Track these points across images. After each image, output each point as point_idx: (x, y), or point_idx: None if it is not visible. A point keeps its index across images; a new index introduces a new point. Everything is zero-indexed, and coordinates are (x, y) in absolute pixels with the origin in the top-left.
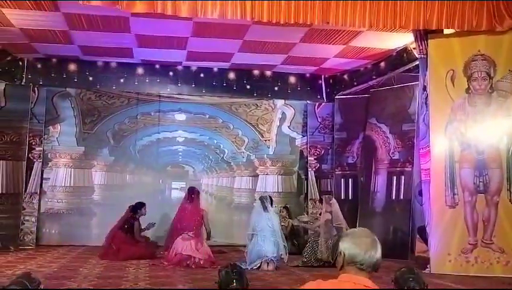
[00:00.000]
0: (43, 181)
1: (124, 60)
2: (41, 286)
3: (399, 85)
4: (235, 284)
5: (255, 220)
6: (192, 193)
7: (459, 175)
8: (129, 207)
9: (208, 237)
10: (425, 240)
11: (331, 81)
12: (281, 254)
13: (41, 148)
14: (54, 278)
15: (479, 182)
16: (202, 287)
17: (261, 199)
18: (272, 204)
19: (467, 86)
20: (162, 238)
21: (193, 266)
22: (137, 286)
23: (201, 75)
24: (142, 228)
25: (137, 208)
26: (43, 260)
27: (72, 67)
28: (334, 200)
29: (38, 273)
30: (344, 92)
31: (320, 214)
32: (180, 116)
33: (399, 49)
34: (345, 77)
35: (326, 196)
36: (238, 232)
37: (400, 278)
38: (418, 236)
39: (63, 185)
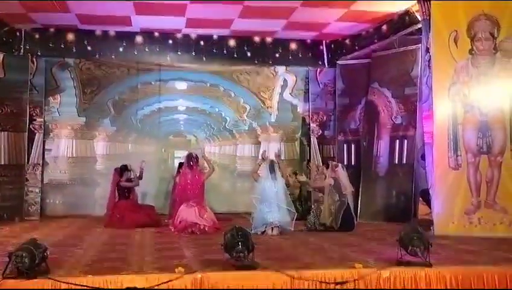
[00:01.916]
0: (45, 152)
1: (122, 29)
2: (48, 252)
3: (401, 49)
4: (240, 246)
5: (260, 187)
6: (191, 160)
7: (462, 137)
8: (115, 170)
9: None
10: (427, 203)
11: (332, 46)
12: (285, 221)
13: (42, 119)
14: (60, 246)
15: (482, 143)
16: (208, 251)
17: (271, 163)
18: (279, 169)
19: (470, 47)
20: (165, 207)
21: (198, 233)
22: (144, 251)
23: (201, 43)
24: (135, 177)
25: (122, 171)
26: (48, 230)
27: (70, 36)
28: (340, 167)
29: (44, 242)
30: (346, 57)
31: (324, 178)
32: (181, 85)
33: (401, 12)
34: (347, 41)
35: (333, 162)
36: (242, 200)
37: (405, 237)
38: (420, 199)
39: (65, 155)
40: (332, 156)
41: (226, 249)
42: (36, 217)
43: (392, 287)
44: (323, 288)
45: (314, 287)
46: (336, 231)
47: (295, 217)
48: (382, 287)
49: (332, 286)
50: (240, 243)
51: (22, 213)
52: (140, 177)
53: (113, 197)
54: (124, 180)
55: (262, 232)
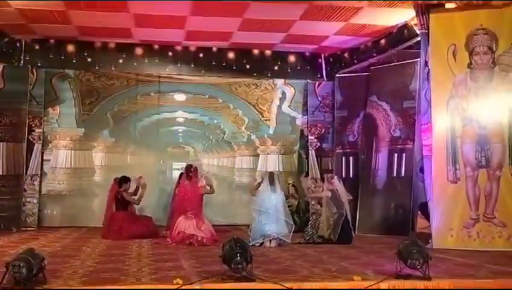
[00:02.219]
0: (44, 163)
1: (122, 41)
2: (45, 262)
3: (400, 62)
4: (238, 257)
5: (260, 198)
6: (190, 171)
7: (461, 150)
8: (114, 180)
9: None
10: (426, 216)
11: (331, 59)
12: (283, 233)
13: (41, 130)
14: (57, 257)
15: (481, 156)
16: (206, 263)
17: (271, 175)
18: (279, 182)
19: (468, 61)
20: (163, 218)
21: (196, 244)
22: (141, 262)
23: (201, 55)
24: (132, 191)
25: (122, 182)
26: (45, 240)
27: (70, 48)
28: (335, 179)
29: (41, 252)
30: (344, 71)
31: (322, 190)
32: (180, 97)
33: (400, 25)
34: (345, 55)
35: (328, 174)
36: (240, 212)
37: (404, 251)
38: (419, 212)
39: (63, 166)
40: (330, 168)
41: (225, 261)
42: (34, 228)
43: None
44: None
45: None
46: (334, 243)
47: (293, 229)
48: None
49: None
50: (238, 255)
51: (19, 223)
52: (135, 194)
53: (110, 208)
54: (122, 191)
55: (261, 244)
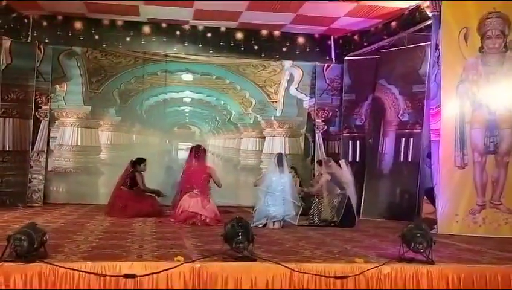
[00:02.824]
0: (50, 140)
1: (130, 18)
2: (47, 237)
3: (410, 45)
4: (240, 237)
5: (268, 179)
6: (198, 151)
7: (470, 136)
8: (130, 161)
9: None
10: (432, 202)
11: (340, 41)
12: (289, 214)
13: (48, 107)
14: (60, 232)
15: (490, 142)
16: (208, 242)
17: (280, 156)
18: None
19: (480, 45)
20: (169, 198)
21: (199, 224)
22: (144, 240)
23: (209, 34)
24: (148, 187)
25: (137, 163)
26: (50, 216)
27: (78, 25)
28: (332, 161)
29: (45, 228)
30: (354, 53)
31: (320, 175)
32: (187, 77)
33: (411, 7)
34: (355, 37)
35: (325, 158)
36: (245, 194)
37: (408, 234)
38: (425, 197)
39: (70, 144)
40: (336, 152)
41: (226, 240)
42: (39, 204)
43: (393, 283)
44: (323, 282)
45: (313, 281)
46: (337, 225)
47: (300, 212)
48: (383, 283)
49: (332, 280)
50: (240, 234)
51: (25, 199)
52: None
53: (119, 187)
54: (136, 171)
55: (264, 225)
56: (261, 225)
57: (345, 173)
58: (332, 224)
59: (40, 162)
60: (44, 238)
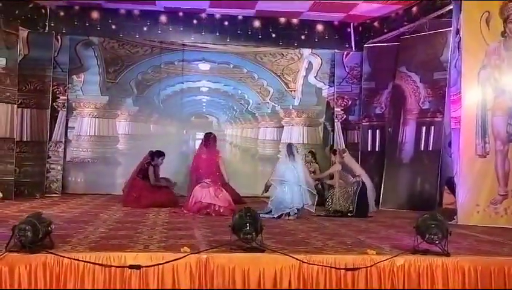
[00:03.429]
0: (68, 130)
1: (146, 8)
2: (52, 226)
3: (431, 31)
4: (248, 227)
5: (280, 170)
6: (208, 139)
7: (491, 123)
8: (149, 152)
9: None
10: (453, 191)
11: (360, 28)
12: (306, 204)
13: (66, 97)
14: (72, 222)
15: None
16: (218, 233)
17: (289, 146)
18: (297, 152)
19: (502, 29)
20: (183, 187)
21: (213, 214)
22: (154, 230)
23: (226, 23)
24: (162, 176)
25: (154, 155)
26: (66, 206)
27: (95, 15)
28: (347, 153)
29: (58, 217)
30: (374, 40)
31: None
32: (204, 66)
33: None
34: (375, 24)
35: (340, 148)
36: (262, 184)
37: (422, 225)
38: (445, 187)
39: (87, 134)
40: (356, 141)
41: (234, 230)
42: (57, 194)
43: (406, 276)
44: (333, 273)
45: (323, 273)
46: (352, 216)
47: (316, 200)
48: (395, 275)
49: (342, 272)
50: (248, 225)
51: (43, 190)
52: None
53: (134, 179)
54: (151, 163)
55: (279, 216)
56: (276, 216)
57: (358, 166)
58: (350, 214)
59: (58, 152)
60: (50, 228)
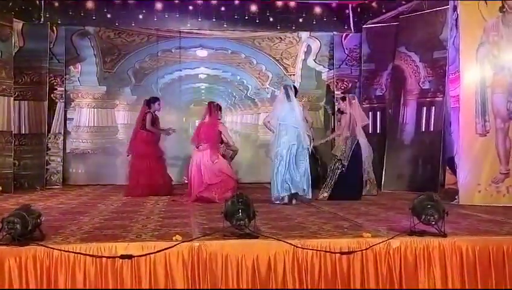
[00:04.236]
0: (67, 121)
1: None
2: (42, 218)
3: (430, 10)
4: (240, 214)
5: (277, 108)
6: (211, 107)
7: (491, 101)
8: (144, 101)
9: (233, 157)
10: (454, 172)
11: (358, 10)
12: (305, 145)
13: (63, 89)
14: (68, 213)
15: None
16: (214, 220)
17: (285, 87)
18: (296, 94)
19: (501, 4)
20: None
21: (216, 197)
22: (149, 219)
23: (222, 8)
24: (161, 128)
25: (150, 102)
26: (65, 198)
27: (90, 4)
28: (356, 100)
29: (55, 209)
30: (372, 21)
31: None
32: (202, 53)
33: None
34: (373, 4)
35: (350, 94)
36: (264, 170)
37: (418, 206)
38: (447, 168)
39: (86, 125)
40: None
41: (226, 217)
42: (58, 186)
43: (402, 258)
44: (328, 258)
45: (318, 257)
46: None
47: (312, 141)
48: (392, 258)
49: (337, 256)
50: (240, 211)
51: (43, 182)
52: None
53: (138, 128)
54: (149, 112)
55: (281, 201)
56: (278, 201)
57: (359, 112)
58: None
59: (58, 144)
60: (39, 220)
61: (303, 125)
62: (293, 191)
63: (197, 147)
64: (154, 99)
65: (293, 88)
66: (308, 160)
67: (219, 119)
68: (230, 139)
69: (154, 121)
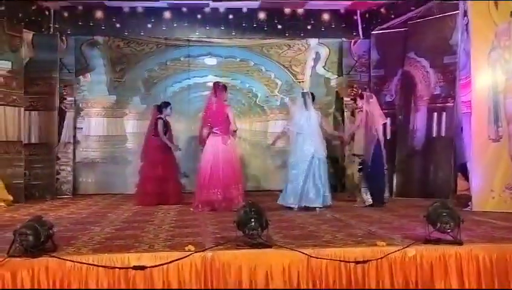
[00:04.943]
0: (77, 131)
1: (150, 4)
2: (54, 229)
3: (439, 15)
4: (253, 223)
5: (296, 117)
6: (217, 88)
7: (504, 106)
8: (154, 106)
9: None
10: (466, 178)
11: (367, 16)
12: (320, 156)
13: (73, 98)
14: (79, 224)
15: None
16: (227, 229)
17: (303, 94)
18: (313, 101)
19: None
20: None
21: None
22: (161, 229)
23: (230, 16)
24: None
25: (162, 107)
26: (75, 208)
27: (99, 14)
28: (374, 98)
29: (66, 219)
30: (381, 27)
31: (358, 111)
32: (211, 61)
33: None
34: (382, 10)
35: (368, 92)
36: (274, 177)
37: (433, 213)
38: (459, 174)
39: (96, 134)
40: None
41: (239, 226)
42: (69, 195)
43: (418, 267)
44: (342, 267)
45: (332, 266)
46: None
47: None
48: (407, 267)
49: (352, 265)
50: (252, 220)
51: (53, 192)
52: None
53: (150, 135)
54: (160, 117)
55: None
56: (293, 206)
57: (377, 110)
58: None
59: (67, 153)
60: (51, 231)
61: (320, 134)
62: (303, 205)
63: (209, 133)
64: (166, 104)
65: (310, 95)
66: (327, 169)
67: (225, 101)
68: (234, 124)
69: (166, 126)
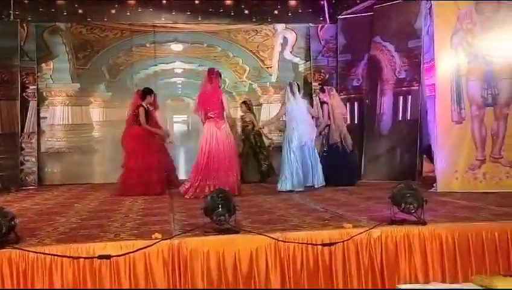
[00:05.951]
0: (41, 120)
1: None
2: (16, 220)
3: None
4: (220, 209)
5: (288, 109)
6: (212, 73)
7: (466, 89)
8: (136, 92)
9: None
10: (431, 160)
11: (333, 1)
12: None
13: (36, 87)
14: (44, 214)
15: (487, 94)
16: (196, 216)
17: (290, 84)
18: (299, 91)
19: None
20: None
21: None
22: (128, 218)
23: (196, 2)
24: (158, 129)
25: (146, 94)
26: (40, 198)
27: (61, 1)
28: (335, 90)
29: (30, 210)
30: (347, 12)
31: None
32: (177, 47)
33: None
34: None
35: (329, 87)
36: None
37: (397, 194)
38: (424, 156)
39: (61, 123)
40: None
41: (206, 213)
42: (34, 186)
43: (383, 247)
44: (310, 250)
45: (300, 250)
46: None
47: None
48: (373, 247)
49: (319, 248)
50: (220, 206)
51: (18, 182)
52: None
53: (130, 124)
54: (142, 106)
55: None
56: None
57: (339, 102)
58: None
59: (32, 143)
60: (13, 222)
61: (310, 121)
62: (298, 189)
63: (205, 118)
64: (150, 91)
65: (296, 85)
66: (317, 153)
67: (219, 87)
68: (227, 109)
69: (147, 114)
